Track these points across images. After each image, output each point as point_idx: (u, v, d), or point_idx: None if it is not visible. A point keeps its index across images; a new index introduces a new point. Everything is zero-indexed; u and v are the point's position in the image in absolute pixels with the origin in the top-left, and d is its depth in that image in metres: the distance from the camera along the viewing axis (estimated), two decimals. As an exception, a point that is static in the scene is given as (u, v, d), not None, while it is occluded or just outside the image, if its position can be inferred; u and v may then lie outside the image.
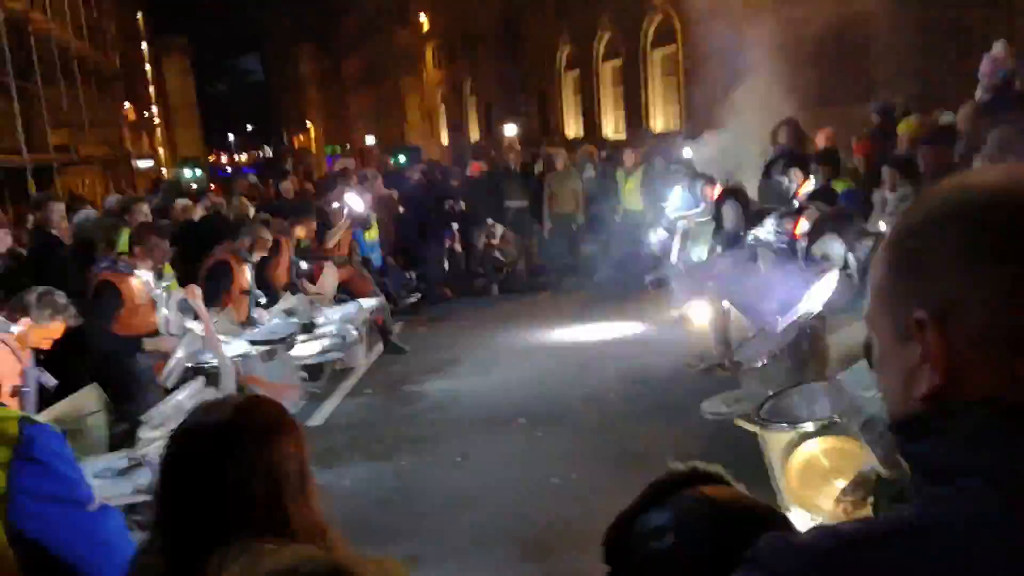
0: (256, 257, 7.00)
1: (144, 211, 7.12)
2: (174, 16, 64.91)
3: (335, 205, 9.59)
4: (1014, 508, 0.66)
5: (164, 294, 5.57)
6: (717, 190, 7.82)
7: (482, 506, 5.03)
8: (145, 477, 4.11)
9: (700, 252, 7.49)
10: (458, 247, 11.85)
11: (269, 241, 7.12)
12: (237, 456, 1.40)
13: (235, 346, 5.97)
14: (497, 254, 11.20)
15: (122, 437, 4.85)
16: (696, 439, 5.29)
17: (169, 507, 1.43)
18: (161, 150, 46.72)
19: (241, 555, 1.26)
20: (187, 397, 4.69)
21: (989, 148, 4.53)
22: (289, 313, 7.22)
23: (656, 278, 8.05)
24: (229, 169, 47.95)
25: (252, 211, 10.35)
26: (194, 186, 17.84)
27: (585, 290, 10.87)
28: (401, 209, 11.76)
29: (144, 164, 35.80)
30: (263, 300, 7.16)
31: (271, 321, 6.93)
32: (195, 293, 5.61)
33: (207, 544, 1.29)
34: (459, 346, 8.82)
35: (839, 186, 6.58)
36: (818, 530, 0.75)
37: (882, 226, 6.10)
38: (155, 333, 5.49)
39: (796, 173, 7.22)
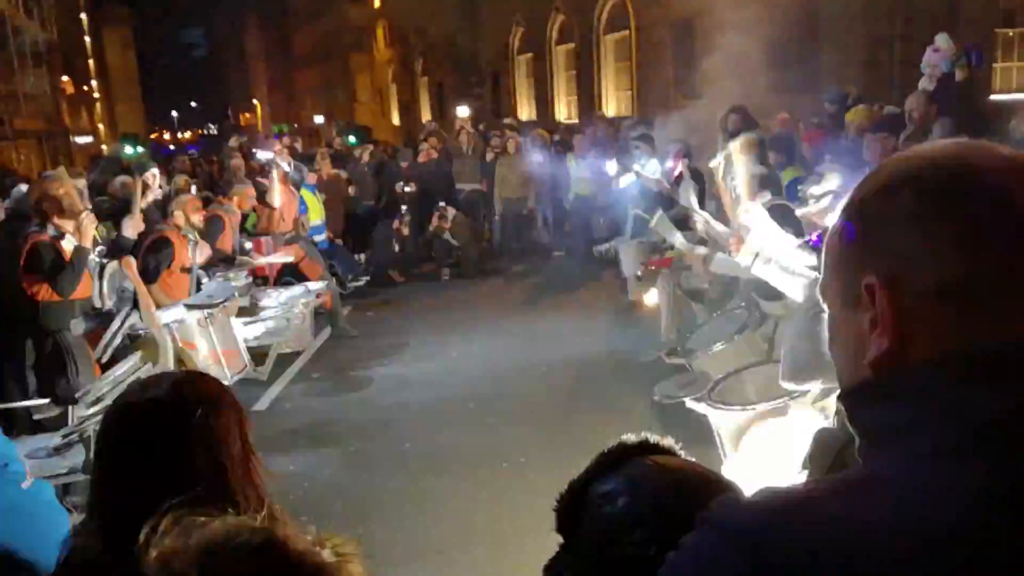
0: (194, 233, 6.76)
1: (80, 184, 6.82)
2: (115, -14, 62.75)
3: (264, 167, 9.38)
4: (955, 458, 0.68)
5: (97, 266, 5.38)
6: (678, 168, 7.80)
7: (432, 492, 4.98)
8: (80, 456, 3.98)
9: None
10: (405, 230, 11.73)
11: (203, 216, 6.92)
12: (175, 431, 1.35)
13: (171, 312, 5.80)
14: (448, 238, 11.10)
15: (57, 416, 4.69)
16: (647, 423, 5.29)
17: (105, 485, 1.38)
18: (101, 126, 45.28)
19: (173, 527, 1.20)
20: (125, 372, 4.53)
21: (936, 136, 4.60)
22: (228, 278, 7.02)
23: (604, 248, 8.01)
24: (172, 147, 46.75)
25: (194, 189, 10.11)
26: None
27: (537, 275, 10.86)
28: (351, 190, 11.58)
29: (83, 140, 34.69)
30: (206, 280, 6.96)
31: (206, 283, 6.73)
32: (130, 264, 5.44)
33: (144, 521, 1.24)
34: (409, 331, 8.73)
35: (788, 175, 6.62)
36: (769, 490, 0.76)
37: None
38: (87, 303, 5.30)
39: None
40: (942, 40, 7.82)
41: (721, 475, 1.26)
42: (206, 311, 5.97)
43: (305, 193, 9.46)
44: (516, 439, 5.65)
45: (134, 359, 4.85)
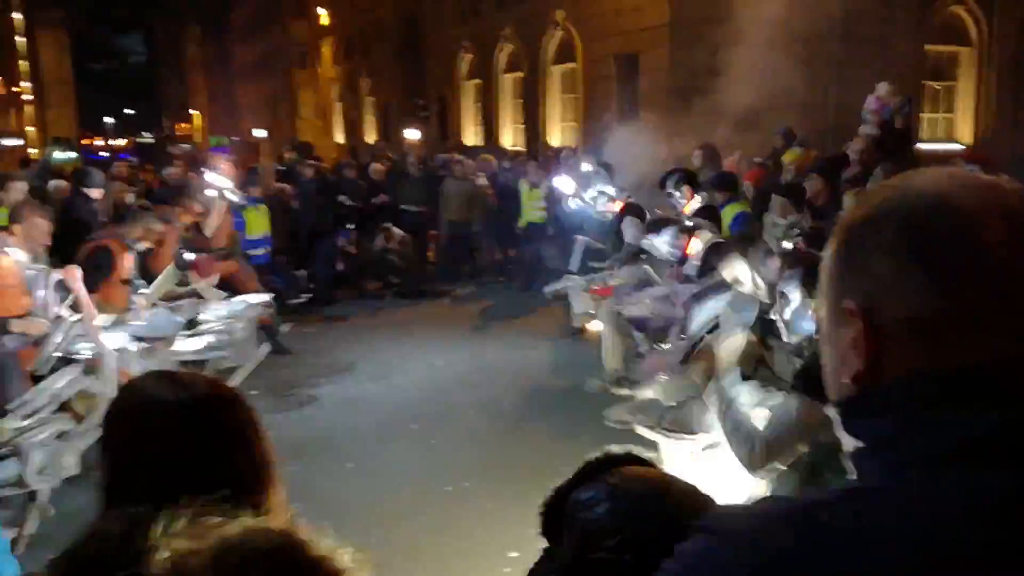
0: (142, 246, 6.61)
1: (21, 188, 6.62)
2: (52, -13, 60.98)
3: (207, 192, 9.15)
4: (933, 468, 0.73)
5: (40, 276, 5.19)
6: (618, 205, 7.94)
7: (373, 515, 4.90)
8: (11, 469, 3.79)
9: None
10: (352, 248, 11.61)
11: (158, 233, 6.73)
12: (212, 429, 1.34)
13: (113, 338, 5.61)
14: (393, 257, 11.03)
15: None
16: (591, 449, 5.32)
17: (116, 484, 1.32)
18: (31, 129, 43.76)
19: (189, 527, 1.16)
20: (66, 385, 4.36)
21: (875, 179, 4.80)
22: (174, 309, 6.85)
23: (554, 290, 8.09)
24: (106, 153, 45.42)
25: (131, 197, 9.84)
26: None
27: (482, 299, 10.86)
28: (295, 205, 11.41)
29: (10, 142, 33.48)
30: (145, 291, 6.77)
31: (152, 313, 6.54)
32: (74, 275, 5.25)
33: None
34: (351, 350, 8.61)
35: (733, 209, 6.82)
36: (769, 498, 0.82)
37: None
38: (24, 316, 5.09)
39: (686, 189, 7.37)
40: (883, 89, 8.19)
41: (698, 488, 1.30)
42: (147, 344, 5.81)
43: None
44: (461, 462, 5.62)
45: (75, 370, 4.67)
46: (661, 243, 5.78)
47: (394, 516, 4.87)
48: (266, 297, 8.24)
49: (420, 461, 5.71)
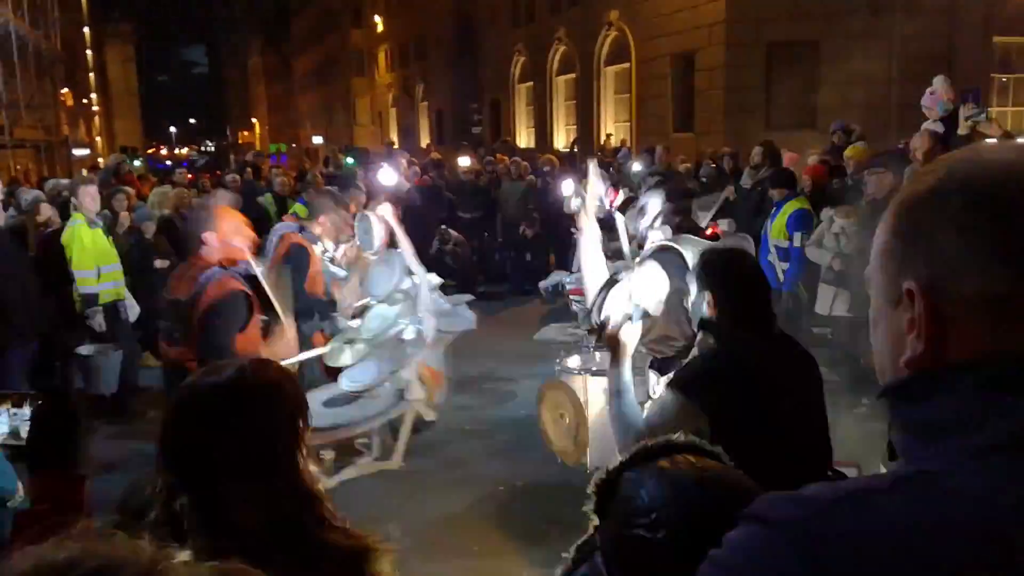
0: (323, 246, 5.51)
1: (92, 192, 6.62)
2: (120, 2, 63.23)
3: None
4: (1004, 454, 0.69)
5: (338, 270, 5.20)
6: (619, 199, 7.81)
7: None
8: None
9: None
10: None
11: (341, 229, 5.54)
12: (228, 417, 1.36)
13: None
14: (448, 259, 11.11)
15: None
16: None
17: (167, 465, 1.35)
18: (99, 138, 45.34)
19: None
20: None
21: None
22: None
23: (550, 285, 7.88)
24: (169, 162, 46.77)
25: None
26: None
27: (535, 301, 10.71)
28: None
29: (80, 152, 34.72)
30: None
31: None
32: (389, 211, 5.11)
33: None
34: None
35: (792, 206, 6.70)
36: (817, 485, 0.77)
37: (826, 249, 6.25)
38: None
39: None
40: (938, 83, 7.95)
41: (744, 476, 1.30)
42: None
43: (299, 208, 9.27)
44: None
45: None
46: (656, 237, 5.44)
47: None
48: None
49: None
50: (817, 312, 6.88)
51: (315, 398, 4.34)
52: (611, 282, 2.72)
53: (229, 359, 3.48)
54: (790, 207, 6.72)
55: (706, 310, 2.47)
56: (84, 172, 13.57)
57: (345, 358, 4.58)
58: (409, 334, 4.71)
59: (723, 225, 5.99)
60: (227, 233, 3.79)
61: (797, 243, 6.55)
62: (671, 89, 17.46)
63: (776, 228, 6.75)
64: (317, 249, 5.17)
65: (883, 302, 0.82)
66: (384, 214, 5.10)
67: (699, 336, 2.57)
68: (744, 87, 15.34)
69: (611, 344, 2.65)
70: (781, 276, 6.70)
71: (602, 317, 2.68)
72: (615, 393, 2.57)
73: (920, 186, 0.79)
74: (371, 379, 4.64)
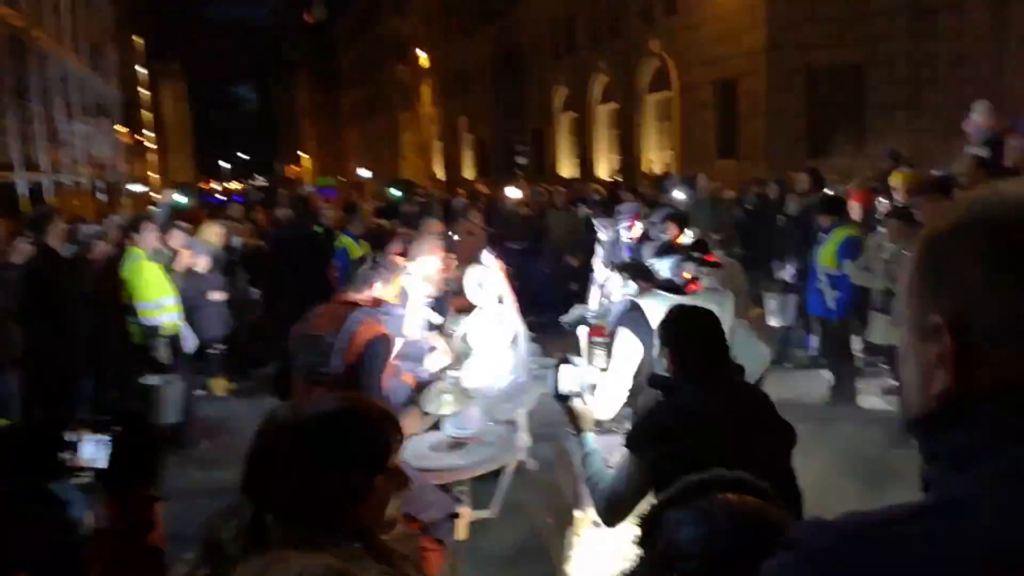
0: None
1: (152, 229, 6.85)
2: (172, 42, 65.42)
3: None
4: (1015, 487, 0.71)
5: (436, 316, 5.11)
6: (639, 230, 7.79)
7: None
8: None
9: None
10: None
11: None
12: (316, 451, 1.38)
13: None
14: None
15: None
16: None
17: (251, 488, 1.40)
18: (154, 175, 46.71)
19: (258, 558, 1.25)
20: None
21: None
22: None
23: (572, 320, 7.82)
24: (222, 196, 47.96)
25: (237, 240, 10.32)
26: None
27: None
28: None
29: (136, 188, 35.78)
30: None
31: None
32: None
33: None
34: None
35: (841, 234, 6.64)
36: (848, 513, 0.78)
37: (876, 274, 6.16)
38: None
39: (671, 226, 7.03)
40: (979, 108, 7.80)
41: (785, 513, 1.34)
42: None
43: (347, 241, 9.35)
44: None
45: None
46: (662, 267, 5.41)
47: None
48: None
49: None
50: (870, 340, 6.79)
51: (422, 442, 4.38)
52: (562, 360, 2.90)
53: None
54: (839, 234, 6.65)
55: (667, 366, 2.59)
56: (152, 208, 13.94)
57: (445, 406, 4.52)
58: (515, 384, 4.74)
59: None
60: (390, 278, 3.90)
61: (847, 270, 6.49)
62: (713, 116, 17.47)
63: (826, 255, 6.68)
64: (416, 291, 4.93)
65: (911, 336, 0.84)
66: (495, 266, 5.08)
67: (647, 393, 2.70)
68: (787, 113, 15.28)
69: (569, 418, 2.77)
70: (832, 304, 6.63)
71: (562, 390, 2.85)
72: (582, 459, 2.68)
73: (943, 222, 0.82)
74: (477, 426, 4.61)
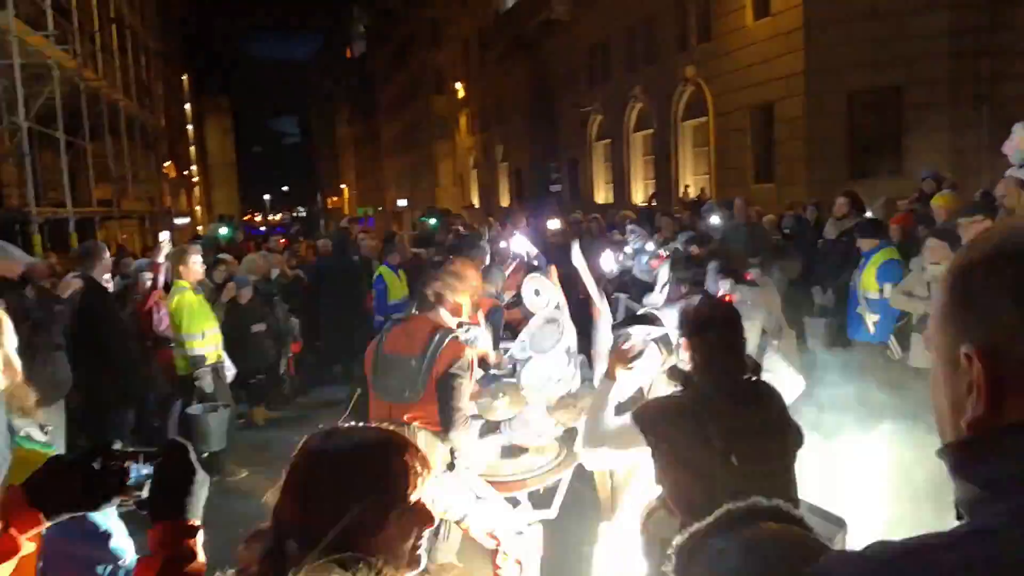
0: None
1: (197, 260, 6.97)
2: (217, 78, 67.07)
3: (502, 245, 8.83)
4: None
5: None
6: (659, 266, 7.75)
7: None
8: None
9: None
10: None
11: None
12: (355, 477, 1.41)
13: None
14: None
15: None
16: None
17: (284, 509, 1.42)
18: (198, 207, 47.74)
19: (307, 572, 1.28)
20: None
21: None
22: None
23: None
24: (263, 228, 48.85)
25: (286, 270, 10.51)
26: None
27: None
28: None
29: (181, 221, 36.59)
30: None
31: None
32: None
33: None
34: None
35: (881, 257, 6.55)
36: (880, 543, 0.79)
37: (918, 298, 6.05)
38: None
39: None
40: (1018, 129, 7.65)
41: (825, 546, 1.32)
42: None
43: (384, 270, 9.42)
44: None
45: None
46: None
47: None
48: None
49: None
50: (912, 365, 6.66)
51: (490, 446, 4.37)
52: (649, 318, 3.14)
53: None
54: (880, 257, 6.56)
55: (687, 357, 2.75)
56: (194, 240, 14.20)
57: (500, 412, 4.45)
58: (574, 388, 4.75)
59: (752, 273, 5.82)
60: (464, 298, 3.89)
61: (888, 294, 6.40)
62: (750, 141, 17.39)
63: (866, 279, 6.60)
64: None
65: (943, 365, 0.84)
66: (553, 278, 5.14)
67: (665, 380, 2.89)
68: (825, 136, 15.15)
69: (615, 360, 2.98)
70: (872, 328, 6.53)
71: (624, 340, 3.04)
72: (600, 396, 2.95)
73: (975, 253, 0.83)
74: (540, 431, 4.59)
